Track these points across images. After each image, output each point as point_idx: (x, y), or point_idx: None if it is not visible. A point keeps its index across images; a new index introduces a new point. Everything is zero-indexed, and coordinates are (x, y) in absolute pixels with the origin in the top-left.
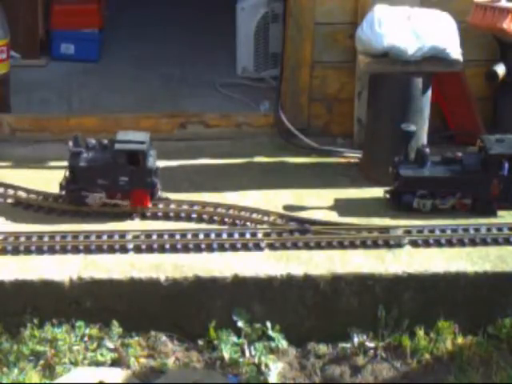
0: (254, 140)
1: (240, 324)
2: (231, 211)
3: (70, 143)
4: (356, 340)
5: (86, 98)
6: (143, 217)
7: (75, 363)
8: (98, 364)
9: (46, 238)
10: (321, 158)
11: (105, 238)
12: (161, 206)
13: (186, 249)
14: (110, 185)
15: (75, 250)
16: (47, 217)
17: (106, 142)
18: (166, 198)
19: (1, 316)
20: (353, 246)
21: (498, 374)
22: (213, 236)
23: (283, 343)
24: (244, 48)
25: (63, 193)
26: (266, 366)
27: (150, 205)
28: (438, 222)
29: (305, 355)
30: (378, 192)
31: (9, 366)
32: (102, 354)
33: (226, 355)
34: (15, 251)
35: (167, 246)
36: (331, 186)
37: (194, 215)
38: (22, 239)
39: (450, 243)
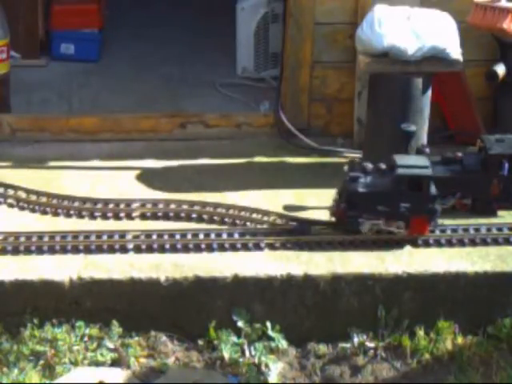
0: (254, 140)
1: (240, 324)
2: (231, 211)
3: (346, 167)
4: (356, 340)
5: (86, 98)
6: (413, 244)
7: (75, 363)
8: (98, 364)
9: (45, 238)
10: (321, 158)
11: (105, 237)
12: (161, 205)
13: (185, 249)
14: (389, 211)
15: (75, 250)
16: (46, 217)
17: (383, 166)
18: (442, 223)
19: (1, 316)
20: (353, 245)
21: (498, 374)
22: (213, 236)
23: (283, 343)
24: (244, 48)
25: (333, 219)
26: (266, 365)
27: (428, 233)
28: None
29: (305, 355)
30: None
31: (9, 366)
32: (102, 354)
33: (226, 355)
34: (15, 251)
35: (167, 246)
36: (331, 186)
37: (194, 215)
38: (22, 239)
39: (449, 243)
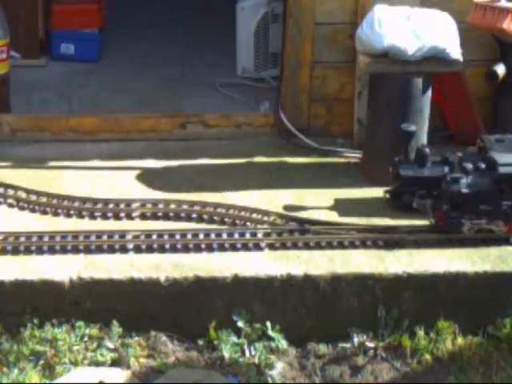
0: (254, 140)
1: (240, 324)
2: (231, 211)
3: (446, 168)
4: (356, 340)
5: (86, 98)
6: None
7: (75, 363)
8: (98, 364)
9: (45, 238)
10: (321, 158)
11: (105, 237)
12: (161, 205)
13: (185, 249)
14: (491, 210)
15: (75, 250)
16: (46, 217)
17: (483, 165)
18: None
19: (1, 316)
20: (353, 245)
21: (498, 374)
22: (213, 236)
23: (283, 343)
24: (244, 48)
25: (433, 220)
26: (266, 365)
27: None
28: None
29: (305, 355)
30: (378, 192)
31: (9, 366)
32: (101, 354)
33: (226, 355)
34: (15, 251)
35: (167, 246)
36: (331, 186)
37: (194, 215)
38: (22, 239)
39: (450, 243)
